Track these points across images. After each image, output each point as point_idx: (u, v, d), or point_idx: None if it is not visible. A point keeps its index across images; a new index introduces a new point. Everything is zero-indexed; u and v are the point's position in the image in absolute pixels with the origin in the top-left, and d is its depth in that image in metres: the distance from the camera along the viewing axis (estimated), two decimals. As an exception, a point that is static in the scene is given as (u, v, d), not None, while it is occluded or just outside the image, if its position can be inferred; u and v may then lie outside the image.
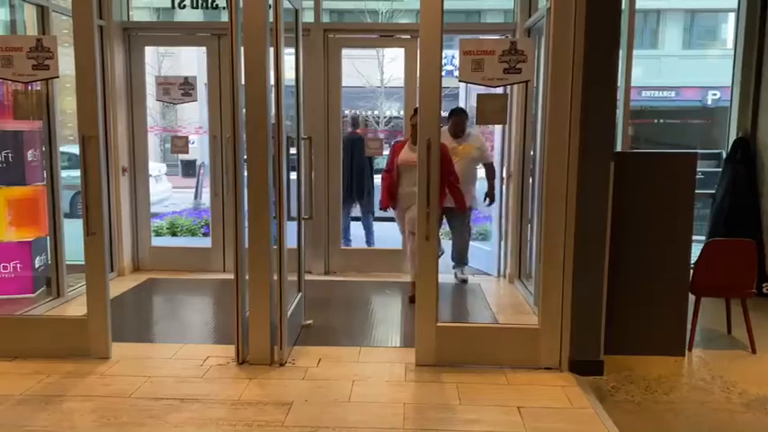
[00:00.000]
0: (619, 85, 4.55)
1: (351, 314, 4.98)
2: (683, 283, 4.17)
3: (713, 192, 6.03)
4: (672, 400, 3.57)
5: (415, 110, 4.83)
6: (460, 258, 6.03)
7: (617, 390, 3.66)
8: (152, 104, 6.59)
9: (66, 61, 3.89)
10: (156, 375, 3.68)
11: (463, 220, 5.85)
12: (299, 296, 4.51)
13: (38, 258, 5.05)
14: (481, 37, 6.41)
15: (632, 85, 5.49)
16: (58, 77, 3.91)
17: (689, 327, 4.21)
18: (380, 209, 5.57)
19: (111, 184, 5.89)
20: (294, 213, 4.25)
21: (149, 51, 6.34)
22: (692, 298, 4.25)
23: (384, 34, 6.79)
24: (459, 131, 5.78)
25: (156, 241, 6.87)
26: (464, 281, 5.93)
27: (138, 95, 6.20)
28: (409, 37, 6.09)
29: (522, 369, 3.79)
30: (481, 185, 6.08)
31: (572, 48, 3.61)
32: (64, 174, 5.14)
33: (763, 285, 5.50)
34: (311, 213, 4.46)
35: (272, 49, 3.71)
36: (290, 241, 4.08)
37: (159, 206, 9.59)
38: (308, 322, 4.60)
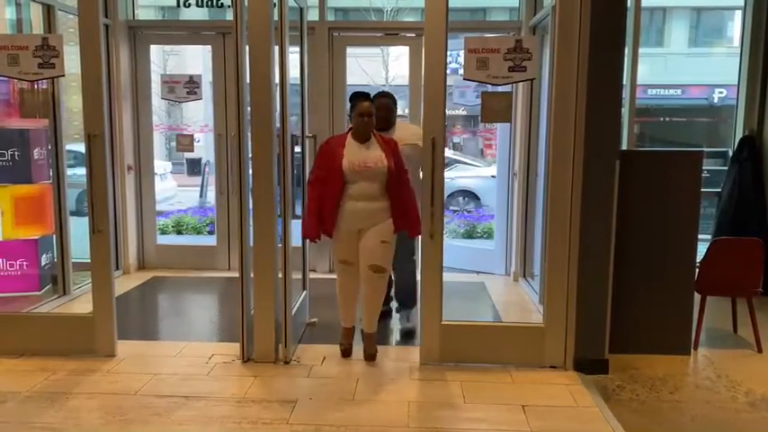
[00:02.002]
0: (624, 83, 4.53)
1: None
2: (689, 282, 4.16)
3: (719, 190, 6.01)
4: (677, 399, 3.56)
5: (355, 95, 3.80)
6: (406, 298, 4.56)
7: (622, 388, 3.66)
8: (157, 103, 6.61)
9: (71, 60, 3.90)
10: (161, 373, 3.69)
11: (408, 246, 4.34)
12: (303, 294, 4.51)
13: (44, 256, 5.07)
14: (486, 35, 6.40)
15: (638, 83, 5.47)
16: (63, 76, 3.91)
17: (694, 325, 4.20)
18: (304, 236, 3.93)
19: (116, 183, 5.91)
20: (299, 212, 4.26)
21: (154, 50, 6.36)
22: (697, 297, 4.24)
23: (389, 32, 6.78)
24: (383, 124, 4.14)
25: (162, 239, 6.89)
26: (409, 332, 4.43)
27: (143, 94, 6.21)
28: (414, 35, 6.08)
29: (526, 367, 3.78)
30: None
31: (577, 46, 3.60)
32: (70, 172, 5.15)
33: (770, 284, 5.47)
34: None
35: (276, 48, 3.71)
36: (295, 240, 4.09)
37: (164, 204, 9.60)
38: (313, 320, 4.61)
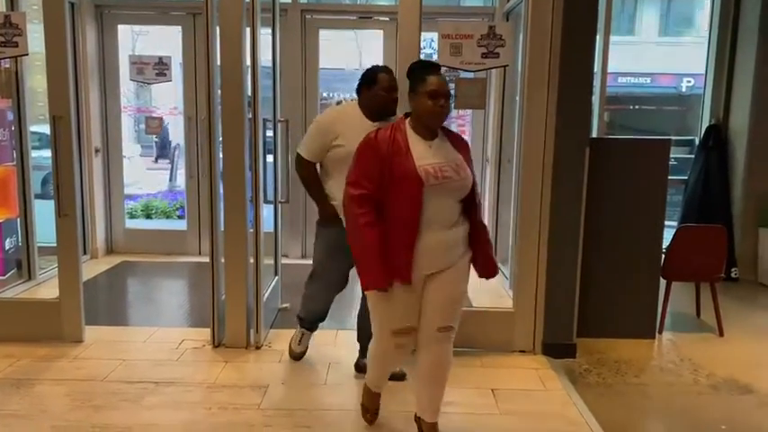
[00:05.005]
0: (595, 71, 4.56)
1: (327, 297, 4.98)
2: (655, 268, 4.25)
3: (686, 178, 6.12)
4: (642, 382, 3.65)
5: (418, 67, 2.60)
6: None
7: (589, 372, 3.73)
8: (126, 84, 6.47)
9: (35, 38, 3.79)
10: (131, 359, 3.65)
11: None
12: (275, 279, 4.50)
13: (8, 240, 4.95)
14: (461, 21, 6.39)
15: (610, 71, 5.53)
16: (27, 55, 3.80)
17: (659, 310, 4.30)
18: (369, 288, 2.50)
19: (83, 166, 5.79)
20: (271, 197, 4.22)
21: (123, 30, 6.21)
22: (662, 282, 4.33)
23: (363, 16, 6.72)
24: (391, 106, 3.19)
25: (131, 223, 6.78)
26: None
27: (111, 75, 6.08)
28: (388, 19, 6.05)
29: (496, 352, 3.83)
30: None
31: (550, 33, 3.62)
32: (35, 154, 5.03)
33: (732, 270, 5.63)
34: (288, 197, 4.43)
35: (248, 30, 3.66)
36: (268, 225, 4.06)
37: (133, 188, 9.44)
38: (285, 306, 4.59)
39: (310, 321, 3.67)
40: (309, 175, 3.32)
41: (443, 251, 2.50)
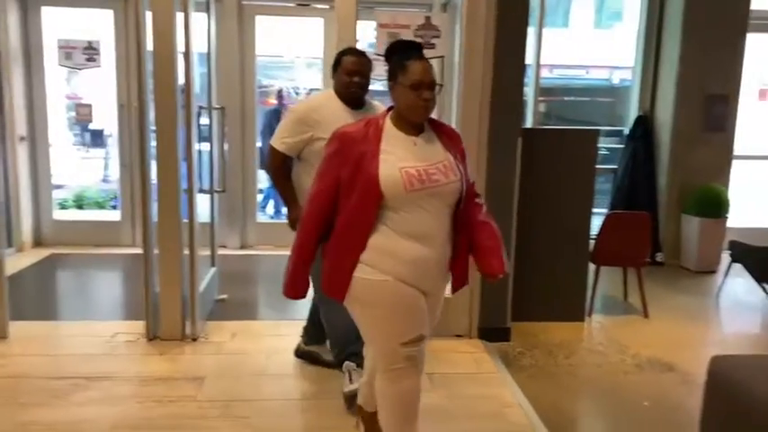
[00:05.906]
0: (530, 62, 4.68)
1: (267, 288, 4.95)
2: (585, 254, 4.41)
3: (616, 167, 6.36)
4: (571, 363, 3.79)
5: (399, 47, 2.17)
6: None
7: (522, 355, 3.85)
8: (54, 70, 6.20)
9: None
10: (60, 354, 3.53)
11: None
12: (212, 271, 4.43)
13: (-75, 233, 4.68)
14: (399, 10, 6.40)
15: (545, 62, 5.67)
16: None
17: (589, 294, 4.47)
18: (288, 295, 2.35)
19: (7, 154, 5.53)
20: (206, 186, 4.15)
21: (48, 12, 5.93)
22: (592, 267, 4.50)
23: (301, 3, 6.65)
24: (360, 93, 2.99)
25: (61, 215, 6.52)
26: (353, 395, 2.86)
27: (36, 60, 5.82)
28: (327, 7, 6.00)
29: (433, 336, 3.87)
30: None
31: (484, 24, 3.68)
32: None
33: (657, 255, 5.91)
34: (224, 186, 4.36)
35: (180, 14, 3.57)
36: (203, 216, 4.00)
37: (64, 177, 9.07)
38: (223, 297, 4.53)
39: (350, 347, 3.06)
40: (278, 169, 3.02)
41: (438, 271, 2.20)
